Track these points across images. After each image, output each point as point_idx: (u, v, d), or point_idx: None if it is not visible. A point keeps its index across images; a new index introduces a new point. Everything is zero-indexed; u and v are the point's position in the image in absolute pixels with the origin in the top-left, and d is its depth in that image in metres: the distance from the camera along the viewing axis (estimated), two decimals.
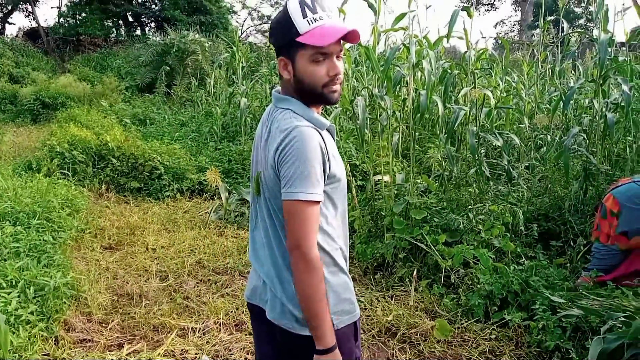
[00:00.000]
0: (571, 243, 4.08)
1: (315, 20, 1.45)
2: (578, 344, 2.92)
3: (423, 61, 3.87)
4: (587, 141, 4.67)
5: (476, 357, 2.97)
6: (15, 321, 2.72)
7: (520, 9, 28.89)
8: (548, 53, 6.32)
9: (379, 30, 4.04)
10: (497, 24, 31.14)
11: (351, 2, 6.97)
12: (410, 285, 3.67)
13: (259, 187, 1.59)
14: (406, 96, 4.49)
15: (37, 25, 21.29)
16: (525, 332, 3.13)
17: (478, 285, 3.46)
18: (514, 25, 31.67)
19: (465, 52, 4.37)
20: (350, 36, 1.49)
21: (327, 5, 1.50)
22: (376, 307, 3.52)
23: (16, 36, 21.34)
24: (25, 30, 22.37)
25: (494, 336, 3.16)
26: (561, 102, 4.51)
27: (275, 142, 1.48)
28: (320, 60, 1.48)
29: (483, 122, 5.06)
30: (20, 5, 21.87)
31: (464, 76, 4.56)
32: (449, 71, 4.47)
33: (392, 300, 3.65)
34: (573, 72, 7.34)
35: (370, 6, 3.96)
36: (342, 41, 1.50)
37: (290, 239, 1.48)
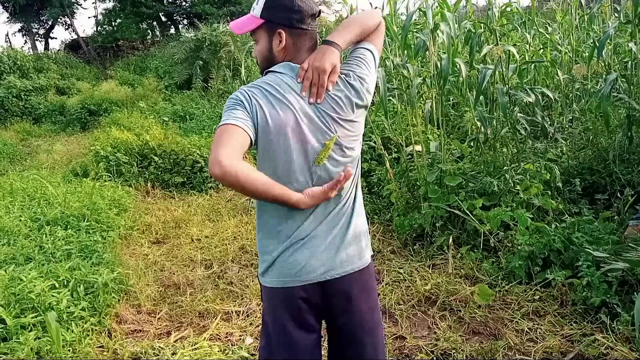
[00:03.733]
0: (618, 195, 3.91)
1: None
2: (626, 298, 2.82)
3: (441, 24, 3.75)
4: (630, 87, 4.42)
5: (519, 319, 2.92)
6: (67, 318, 2.89)
7: None
8: None
9: None
10: None
11: None
12: (448, 253, 3.63)
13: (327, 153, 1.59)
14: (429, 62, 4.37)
15: (77, 37, 22.05)
16: (570, 290, 3.04)
17: (518, 247, 3.38)
18: None
19: (488, 9, 4.21)
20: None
21: None
22: (415, 278, 3.51)
23: (59, 50, 22.15)
24: (67, 42, 23.21)
25: (537, 297, 3.09)
26: (595, 48, 4.28)
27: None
28: None
29: (517, 80, 4.86)
30: (59, 19, 22.66)
31: (489, 35, 4.40)
32: (473, 31, 4.32)
33: (430, 269, 3.63)
34: (615, 15, 6.93)
35: None
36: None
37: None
